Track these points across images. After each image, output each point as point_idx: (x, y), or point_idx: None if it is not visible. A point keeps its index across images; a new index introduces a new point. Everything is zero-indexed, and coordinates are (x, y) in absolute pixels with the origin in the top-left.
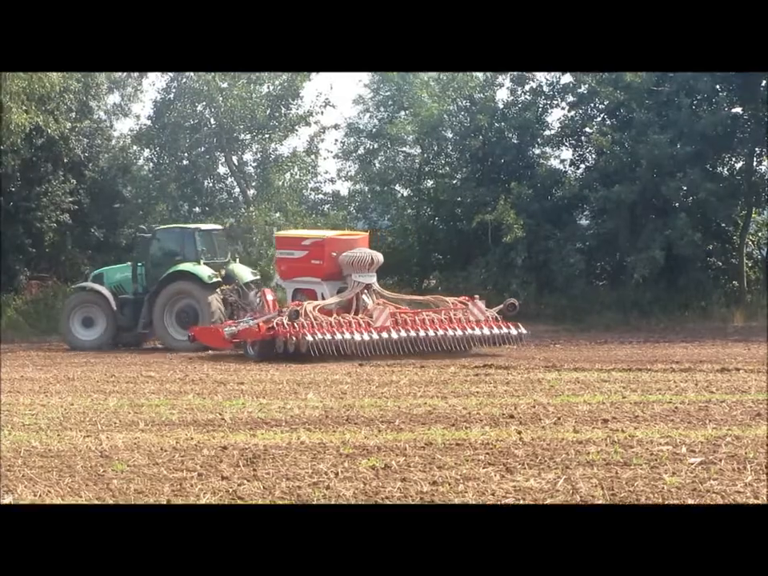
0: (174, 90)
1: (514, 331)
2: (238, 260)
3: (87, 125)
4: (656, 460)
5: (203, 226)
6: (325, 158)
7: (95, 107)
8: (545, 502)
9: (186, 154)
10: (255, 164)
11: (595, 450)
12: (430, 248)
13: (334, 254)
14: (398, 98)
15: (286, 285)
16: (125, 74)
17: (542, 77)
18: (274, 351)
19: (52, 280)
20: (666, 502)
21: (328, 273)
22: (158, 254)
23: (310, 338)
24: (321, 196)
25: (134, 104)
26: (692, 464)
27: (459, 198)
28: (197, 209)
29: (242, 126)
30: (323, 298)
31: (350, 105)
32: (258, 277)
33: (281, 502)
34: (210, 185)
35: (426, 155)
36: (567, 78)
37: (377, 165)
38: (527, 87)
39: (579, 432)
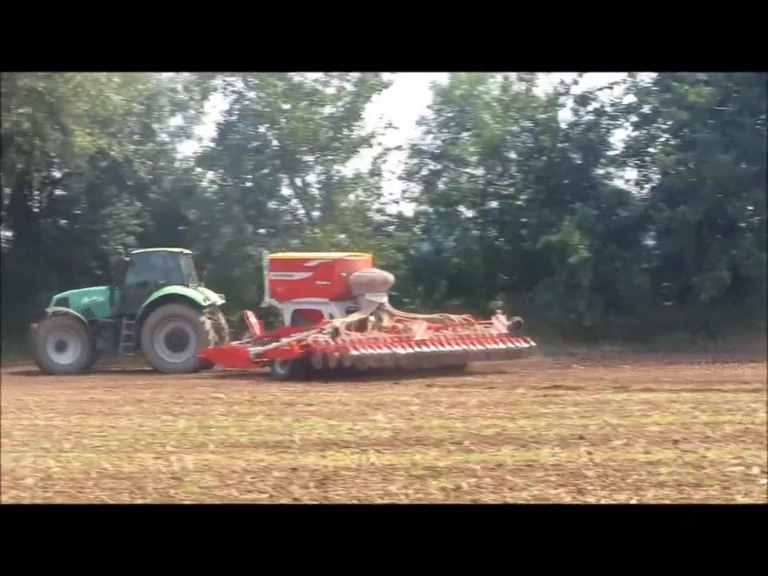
0: (236, 112)
1: (525, 345)
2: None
3: (151, 147)
4: (728, 481)
5: (185, 250)
6: (388, 180)
7: (158, 129)
8: None
9: (249, 176)
10: (319, 185)
11: (666, 471)
12: (495, 269)
13: (343, 274)
14: (461, 119)
15: (284, 306)
16: (187, 96)
17: (605, 97)
18: (308, 368)
19: None
20: None
21: (337, 293)
22: (136, 278)
23: (354, 352)
24: (385, 217)
25: (197, 126)
26: (764, 485)
27: (524, 219)
28: (261, 230)
29: (305, 148)
30: (331, 318)
31: (412, 126)
32: (224, 301)
33: None
34: (274, 206)
35: (489, 176)
36: (630, 98)
37: (440, 186)
38: (590, 107)
39: (650, 453)
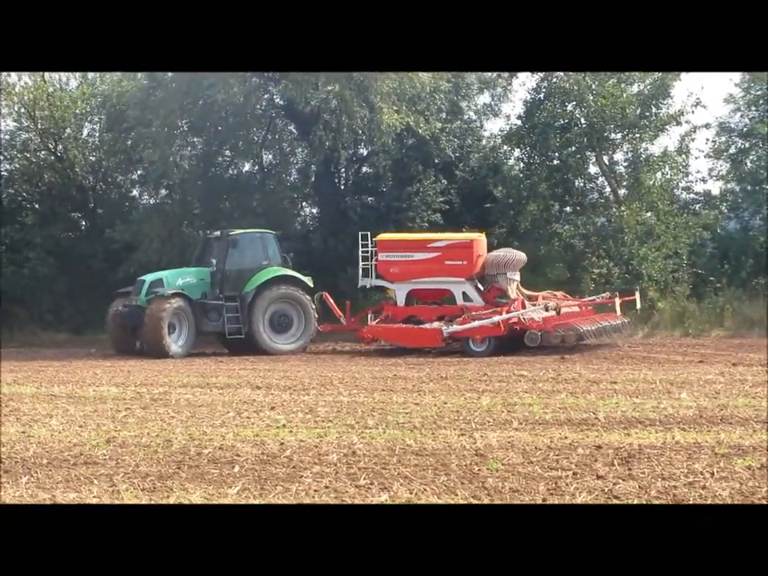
0: (543, 90)
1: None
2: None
3: (458, 125)
4: None
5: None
6: (696, 158)
7: (465, 107)
8: None
9: (556, 154)
10: (626, 163)
11: None
12: None
13: (480, 254)
14: None
15: (397, 287)
16: (495, 74)
17: None
18: (511, 345)
19: None
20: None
21: (473, 273)
22: (239, 259)
23: (582, 328)
24: (692, 195)
25: (504, 104)
26: None
27: None
28: (567, 208)
29: (612, 126)
30: (465, 298)
31: (720, 104)
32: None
33: (656, 502)
34: (581, 184)
35: None
36: None
37: (748, 164)
38: None
39: None
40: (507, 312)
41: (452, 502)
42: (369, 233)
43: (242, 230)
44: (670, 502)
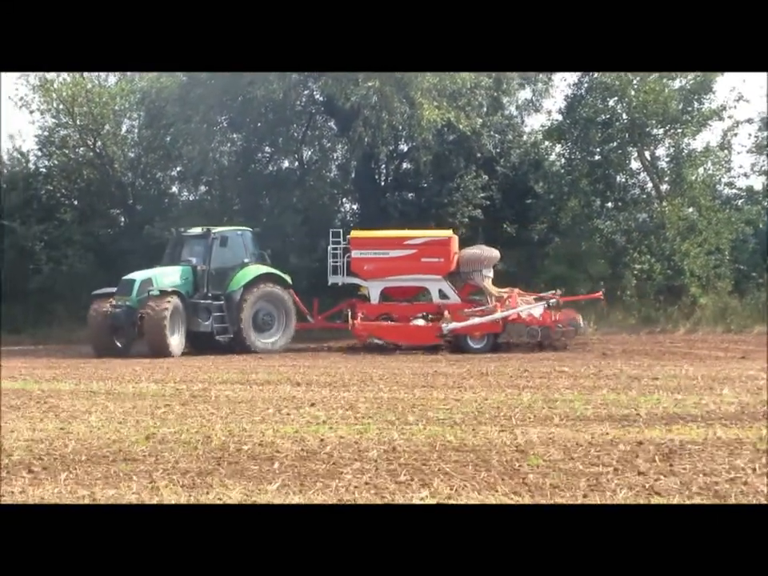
0: (585, 85)
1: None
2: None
3: (498, 120)
4: None
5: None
6: (738, 153)
7: (506, 103)
8: None
9: (597, 149)
10: (668, 159)
11: None
12: None
13: (455, 252)
14: None
15: (370, 284)
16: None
17: None
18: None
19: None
20: None
21: (449, 270)
22: (222, 257)
23: (580, 323)
24: (734, 191)
25: (546, 99)
26: None
27: None
28: (609, 204)
29: (654, 121)
30: (442, 296)
31: (763, 99)
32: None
33: (697, 499)
34: (623, 180)
35: None
36: None
37: None
38: None
39: None
40: (502, 309)
41: (492, 500)
42: (341, 230)
43: (223, 228)
44: (711, 499)
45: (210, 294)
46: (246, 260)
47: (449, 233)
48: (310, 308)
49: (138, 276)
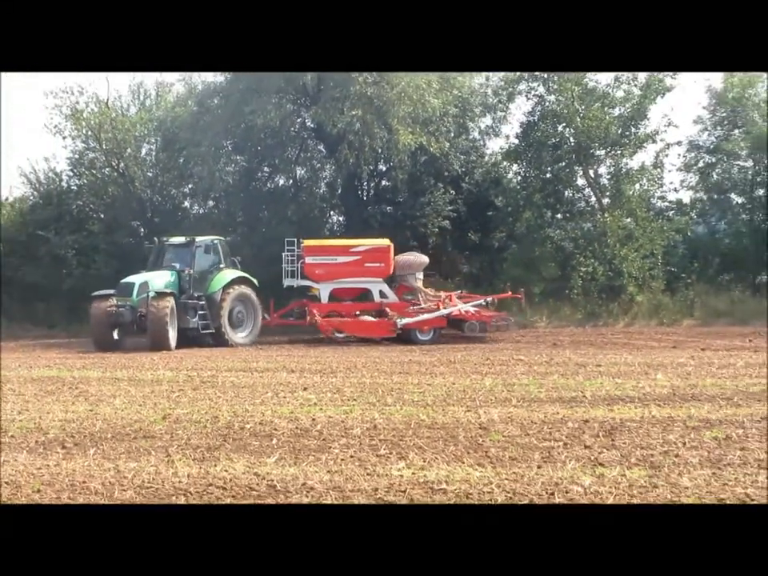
0: (538, 113)
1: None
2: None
3: (464, 143)
4: None
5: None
6: (669, 171)
7: (471, 128)
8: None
9: (548, 168)
10: (609, 176)
11: None
12: (762, 248)
13: (393, 257)
14: (733, 118)
15: (321, 286)
16: (496, 99)
17: None
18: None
19: (434, 277)
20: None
21: (388, 273)
22: (203, 262)
23: (510, 319)
24: (666, 203)
25: (504, 125)
26: None
27: None
28: (558, 215)
29: (597, 144)
30: (382, 296)
31: (690, 124)
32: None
33: (635, 470)
34: (570, 194)
35: (757, 167)
36: None
37: (714, 176)
38: None
39: None
40: (444, 307)
41: (459, 471)
42: (296, 239)
43: (203, 237)
44: (647, 470)
45: (195, 295)
46: (221, 265)
47: (387, 242)
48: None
49: (137, 279)
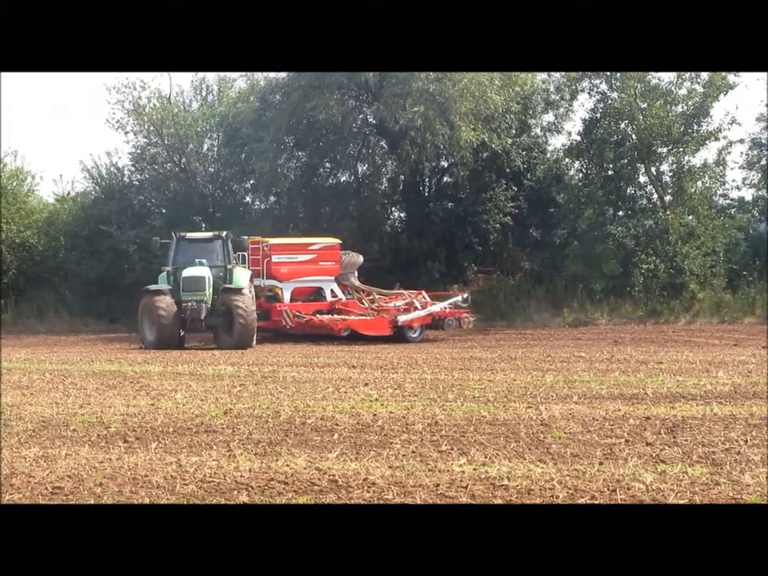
0: (600, 110)
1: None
2: None
3: (526, 140)
4: None
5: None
6: (732, 168)
7: (533, 125)
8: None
9: (610, 165)
10: (671, 173)
11: None
12: None
13: (340, 255)
14: None
15: (284, 285)
16: (558, 96)
17: None
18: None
19: (495, 273)
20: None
21: (338, 272)
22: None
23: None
24: (728, 201)
25: (566, 122)
26: None
27: None
28: (620, 212)
29: (659, 141)
30: (333, 294)
31: (753, 122)
32: None
33: (697, 467)
34: (632, 191)
35: None
36: None
37: None
38: None
39: None
40: (423, 307)
41: (521, 467)
42: (260, 237)
43: (221, 232)
44: (709, 467)
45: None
46: (234, 261)
47: (337, 240)
48: None
49: (204, 273)
